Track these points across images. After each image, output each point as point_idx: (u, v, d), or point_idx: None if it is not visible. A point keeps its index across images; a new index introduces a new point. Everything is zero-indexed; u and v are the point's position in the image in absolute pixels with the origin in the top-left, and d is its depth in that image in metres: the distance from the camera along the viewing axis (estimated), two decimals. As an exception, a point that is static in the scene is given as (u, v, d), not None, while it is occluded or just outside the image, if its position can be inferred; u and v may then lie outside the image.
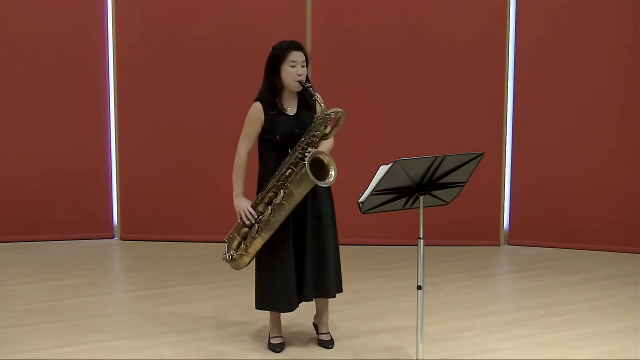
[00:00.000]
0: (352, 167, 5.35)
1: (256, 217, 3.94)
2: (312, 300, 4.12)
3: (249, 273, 4.19)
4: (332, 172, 3.86)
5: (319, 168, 3.87)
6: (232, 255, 4.03)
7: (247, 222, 3.96)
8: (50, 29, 6.25)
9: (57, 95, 6.30)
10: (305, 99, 3.99)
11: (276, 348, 4.14)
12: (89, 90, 6.35)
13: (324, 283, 4.06)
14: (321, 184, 3.84)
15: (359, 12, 6.16)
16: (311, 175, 3.80)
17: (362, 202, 3.56)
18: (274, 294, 4.03)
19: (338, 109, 3.88)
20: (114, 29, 6.27)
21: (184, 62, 6.25)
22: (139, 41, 6.27)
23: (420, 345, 3.71)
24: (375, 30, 6.14)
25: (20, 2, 6.22)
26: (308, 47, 5.54)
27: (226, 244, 4.06)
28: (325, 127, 3.90)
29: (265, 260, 4.03)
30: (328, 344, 4.19)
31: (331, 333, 4.24)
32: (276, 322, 4.19)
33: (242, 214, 3.96)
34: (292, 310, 4.07)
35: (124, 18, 6.25)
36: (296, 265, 4.01)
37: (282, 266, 3.98)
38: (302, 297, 4.06)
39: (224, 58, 6.22)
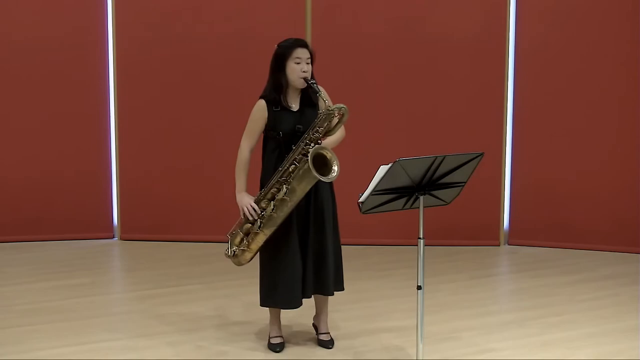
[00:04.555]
0: (352, 167, 5.35)
1: (259, 212, 3.94)
2: (311, 297, 4.12)
3: (249, 273, 4.19)
4: (335, 168, 3.87)
5: (321, 164, 3.87)
6: (234, 251, 4.02)
7: (250, 218, 3.95)
8: (50, 29, 6.24)
9: (57, 95, 6.29)
10: (308, 95, 4.00)
11: (276, 348, 4.14)
12: (89, 90, 6.34)
13: (322, 280, 4.06)
14: (324, 179, 3.84)
15: (359, 12, 6.15)
16: (314, 171, 3.80)
17: (362, 202, 3.56)
18: (279, 291, 4.02)
19: (342, 105, 3.88)
20: (114, 29, 6.26)
21: (184, 62, 6.25)
22: (139, 41, 6.27)
23: (420, 345, 3.71)
24: (375, 30, 6.13)
25: (21, 3, 6.22)
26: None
27: (229, 240, 4.05)
28: (329, 122, 3.90)
29: (271, 257, 4.02)
30: (328, 344, 4.19)
31: (331, 333, 4.24)
32: (276, 322, 4.19)
33: (245, 209, 3.95)
34: (298, 307, 4.06)
35: (124, 18, 6.25)
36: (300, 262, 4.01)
37: (289, 263, 3.98)
38: (303, 293, 4.06)
39: (224, 58, 6.21)
